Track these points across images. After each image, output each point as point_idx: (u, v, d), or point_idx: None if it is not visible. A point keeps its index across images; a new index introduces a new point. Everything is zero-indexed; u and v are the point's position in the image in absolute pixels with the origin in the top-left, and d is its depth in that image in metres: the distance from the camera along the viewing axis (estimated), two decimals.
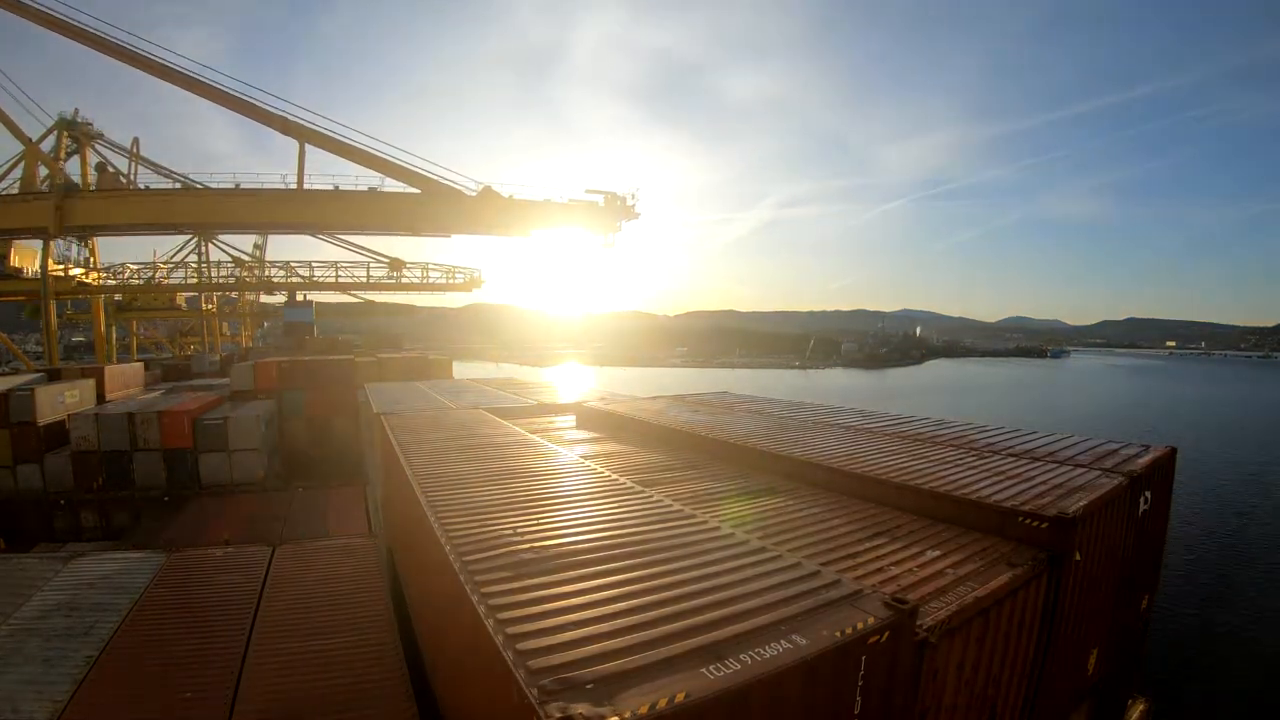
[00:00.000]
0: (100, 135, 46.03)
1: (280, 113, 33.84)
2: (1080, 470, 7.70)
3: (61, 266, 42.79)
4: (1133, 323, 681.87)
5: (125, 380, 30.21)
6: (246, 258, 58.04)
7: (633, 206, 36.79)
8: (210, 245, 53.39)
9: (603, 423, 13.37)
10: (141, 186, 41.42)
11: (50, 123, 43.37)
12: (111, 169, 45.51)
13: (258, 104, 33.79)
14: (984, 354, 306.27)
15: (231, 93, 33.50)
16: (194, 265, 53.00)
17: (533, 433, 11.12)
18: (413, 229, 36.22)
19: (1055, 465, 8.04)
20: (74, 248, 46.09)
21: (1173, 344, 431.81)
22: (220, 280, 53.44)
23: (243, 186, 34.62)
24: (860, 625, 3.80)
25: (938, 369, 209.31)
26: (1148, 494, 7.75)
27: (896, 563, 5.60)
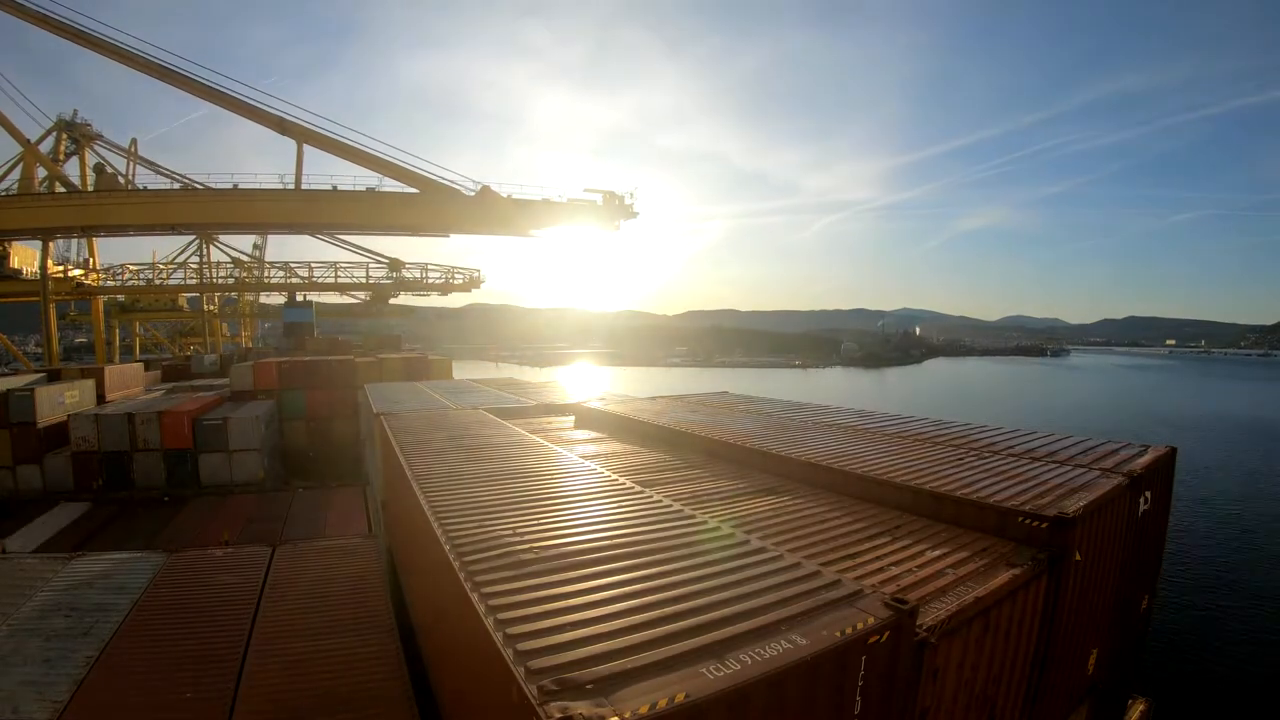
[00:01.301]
0: (99, 136, 45.99)
1: (277, 113, 33.79)
2: (1080, 470, 7.68)
3: (61, 267, 42.78)
4: (1133, 321, 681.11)
5: (125, 381, 30.19)
6: (246, 258, 58.06)
7: (631, 206, 36.75)
8: (211, 246, 53.40)
9: (602, 423, 13.36)
10: (140, 187, 41.41)
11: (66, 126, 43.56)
12: (110, 169, 45.47)
13: (255, 104, 33.73)
14: (984, 353, 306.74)
15: (229, 92, 33.46)
16: (194, 266, 53.04)
17: (533, 433, 11.11)
18: (411, 229, 36.21)
19: (1055, 465, 8.02)
20: (73, 248, 46.08)
21: (1172, 342, 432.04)
22: (220, 281, 53.47)
23: (241, 187, 34.57)
24: (860, 625, 3.79)
25: (937, 368, 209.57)
26: (1148, 494, 7.74)
27: (896, 563, 5.59)
